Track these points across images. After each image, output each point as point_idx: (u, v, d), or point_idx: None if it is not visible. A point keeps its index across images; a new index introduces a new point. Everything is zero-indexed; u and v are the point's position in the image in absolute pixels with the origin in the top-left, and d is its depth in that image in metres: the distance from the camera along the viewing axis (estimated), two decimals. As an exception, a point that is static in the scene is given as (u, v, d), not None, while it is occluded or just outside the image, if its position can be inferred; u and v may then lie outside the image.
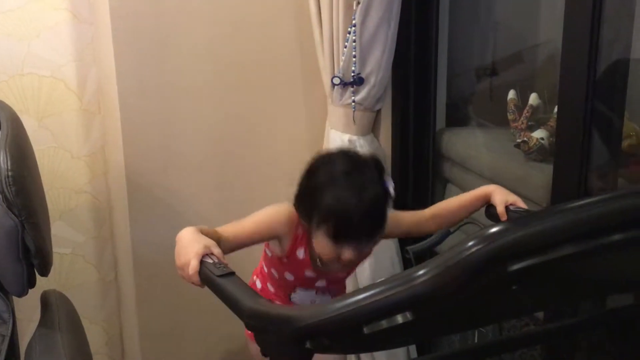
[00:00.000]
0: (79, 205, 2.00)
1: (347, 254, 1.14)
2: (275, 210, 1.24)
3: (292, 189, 1.25)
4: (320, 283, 1.31)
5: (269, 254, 1.34)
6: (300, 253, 1.25)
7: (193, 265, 1.03)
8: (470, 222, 1.18)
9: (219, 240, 1.13)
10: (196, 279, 1.03)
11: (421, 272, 0.68)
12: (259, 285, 1.39)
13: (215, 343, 1.97)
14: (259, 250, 1.39)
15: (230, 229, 1.20)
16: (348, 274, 1.36)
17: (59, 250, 1.98)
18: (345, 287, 1.42)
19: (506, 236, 0.66)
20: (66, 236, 2.00)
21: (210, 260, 1.04)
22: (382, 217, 1.15)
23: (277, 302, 1.32)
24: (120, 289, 2.08)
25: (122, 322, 2.11)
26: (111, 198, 2.01)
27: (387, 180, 1.13)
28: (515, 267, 0.66)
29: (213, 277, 0.99)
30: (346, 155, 1.19)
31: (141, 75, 1.77)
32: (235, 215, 2.05)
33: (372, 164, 1.16)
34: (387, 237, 1.32)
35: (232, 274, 0.99)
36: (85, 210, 2.01)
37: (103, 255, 2.06)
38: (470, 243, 0.66)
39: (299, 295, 1.32)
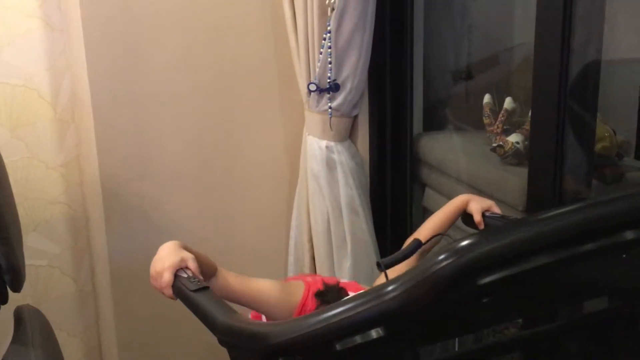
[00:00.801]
0: (54, 216, 1.97)
1: None
2: (283, 291, 1.16)
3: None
4: None
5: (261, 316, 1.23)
6: None
7: (166, 277, 1.03)
8: (440, 235, 1.19)
9: (216, 272, 1.10)
10: (168, 291, 1.03)
11: (391, 287, 0.67)
12: None
13: (194, 353, 1.95)
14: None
15: (231, 273, 1.14)
16: None
17: (34, 262, 1.94)
18: None
19: (475, 250, 0.66)
20: (41, 248, 1.97)
21: (184, 275, 1.04)
22: None
23: None
24: (98, 300, 2.05)
25: (101, 333, 2.08)
26: (87, 208, 1.98)
27: None
28: (485, 280, 0.66)
29: (186, 292, 0.98)
30: None
31: (115, 83, 1.75)
32: (212, 223, 2.03)
33: None
34: None
35: (206, 288, 0.98)
36: (61, 221, 1.98)
37: (80, 267, 2.04)
38: (440, 257, 0.65)
39: None
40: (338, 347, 0.70)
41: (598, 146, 1.45)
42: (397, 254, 1.01)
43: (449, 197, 1.35)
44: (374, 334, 0.69)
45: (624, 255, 0.73)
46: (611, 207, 0.72)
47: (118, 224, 1.80)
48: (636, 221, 0.72)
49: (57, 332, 1.41)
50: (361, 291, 0.72)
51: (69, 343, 2.01)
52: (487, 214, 1.23)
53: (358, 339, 0.69)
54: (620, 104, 1.57)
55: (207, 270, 1.09)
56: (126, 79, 1.76)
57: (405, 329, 0.72)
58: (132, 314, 1.85)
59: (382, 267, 0.95)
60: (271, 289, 1.15)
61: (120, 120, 1.76)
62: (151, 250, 1.12)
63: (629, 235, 0.73)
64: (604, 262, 0.78)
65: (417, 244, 1.06)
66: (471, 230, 1.25)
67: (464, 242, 0.66)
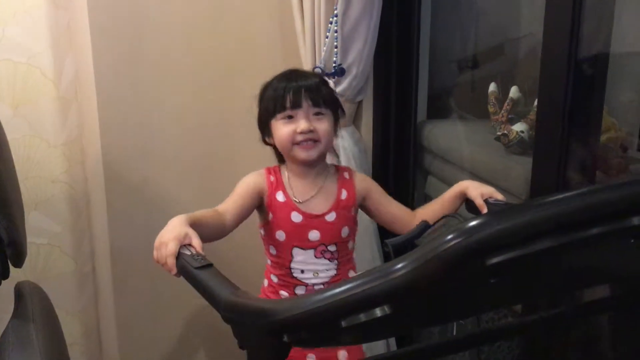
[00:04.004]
0: (55, 194, 1.97)
1: (302, 124, 1.26)
2: (247, 175, 1.39)
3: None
4: (314, 235, 1.31)
5: (262, 232, 1.38)
6: (280, 196, 1.33)
7: (171, 247, 1.04)
8: (449, 216, 1.18)
9: (221, 215, 1.26)
10: (171, 260, 1.03)
11: (399, 265, 0.67)
12: (265, 283, 1.41)
13: (193, 334, 1.96)
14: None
15: (223, 204, 1.31)
16: (337, 214, 1.33)
17: (35, 240, 1.94)
18: (351, 256, 1.39)
19: (484, 230, 0.65)
20: (42, 226, 1.96)
21: (188, 252, 1.04)
22: (316, 78, 1.31)
23: (283, 292, 1.33)
24: (97, 280, 2.05)
25: (99, 313, 2.09)
26: (88, 187, 1.98)
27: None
28: (494, 260, 0.66)
29: (190, 269, 0.98)
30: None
31: (119, 63, 1.74)
32: (213, 202, 2.04)
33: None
34: (369, 212, 1.39)
35: (210, 265, 0.98)
36: (62, 200, 1.98)
37: (80, 246, 2.03)
38: (449, 237, 0.65)
39: (299, 263, 1.32)
40: (344, 324, 0.70)
41: (603, 137, 1.45)
42: (404, 235, 1.01)
43: (452, 185, 1.35)
44: (380, 311, 0.69)
45: (632, 240, 0.73)
46: (621, 191, 0.72)
47: (119, 204, 1.80)
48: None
49: (55, 311, 1.41)
50: (368, 269, 0.72)
51: (67, 322, 2.02)
52: (490, 200, 1.22)
53: (364, 316, 0.70)
54: (626, 96, 1.56)
55: (215, 232, 1.21)
56: (130, 59, 1.75)
57: (412, 308, 0.72)
58: (131, 295, 1.86)
59: (390, 246, 0.95)
60: (242, 180, 1.39)
61: (123, 100, 1.76)
62: (152, 231, 1.12)
63: (636, 220, 0.73)
64: (612, 247, 0.78)
65: (425, 226, 1.06)
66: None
67: (474, 222, 0.66)
